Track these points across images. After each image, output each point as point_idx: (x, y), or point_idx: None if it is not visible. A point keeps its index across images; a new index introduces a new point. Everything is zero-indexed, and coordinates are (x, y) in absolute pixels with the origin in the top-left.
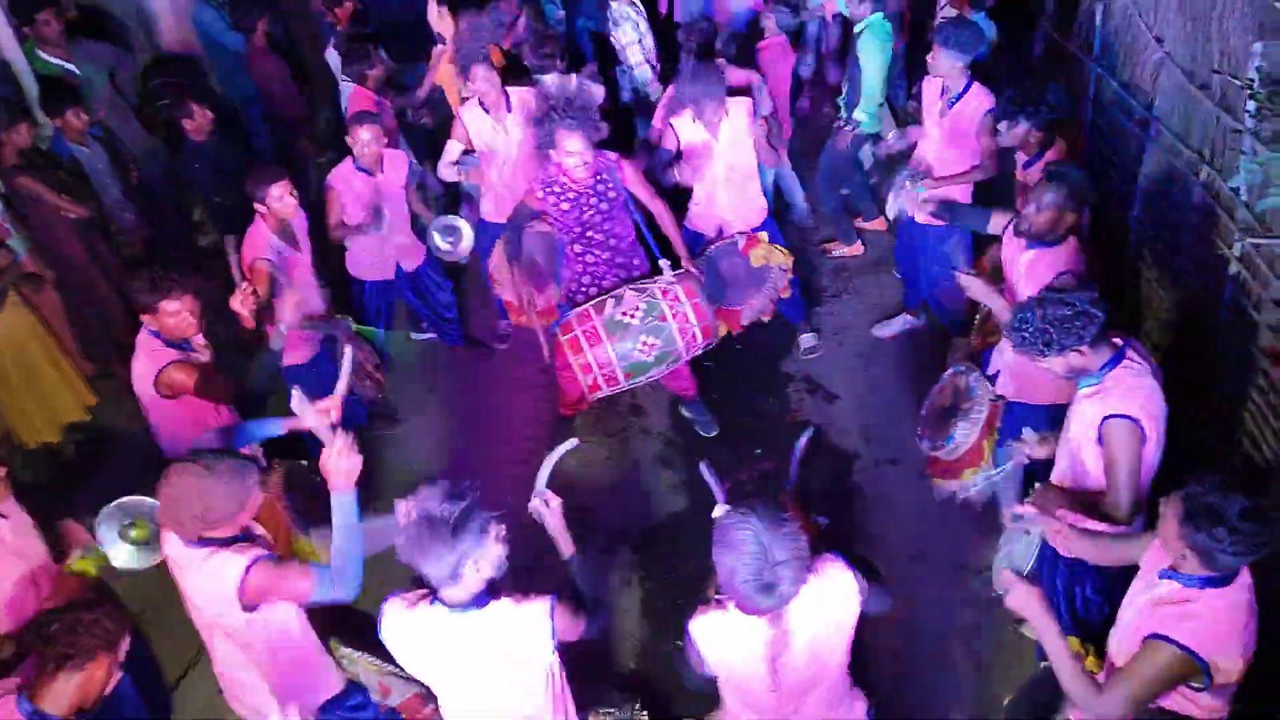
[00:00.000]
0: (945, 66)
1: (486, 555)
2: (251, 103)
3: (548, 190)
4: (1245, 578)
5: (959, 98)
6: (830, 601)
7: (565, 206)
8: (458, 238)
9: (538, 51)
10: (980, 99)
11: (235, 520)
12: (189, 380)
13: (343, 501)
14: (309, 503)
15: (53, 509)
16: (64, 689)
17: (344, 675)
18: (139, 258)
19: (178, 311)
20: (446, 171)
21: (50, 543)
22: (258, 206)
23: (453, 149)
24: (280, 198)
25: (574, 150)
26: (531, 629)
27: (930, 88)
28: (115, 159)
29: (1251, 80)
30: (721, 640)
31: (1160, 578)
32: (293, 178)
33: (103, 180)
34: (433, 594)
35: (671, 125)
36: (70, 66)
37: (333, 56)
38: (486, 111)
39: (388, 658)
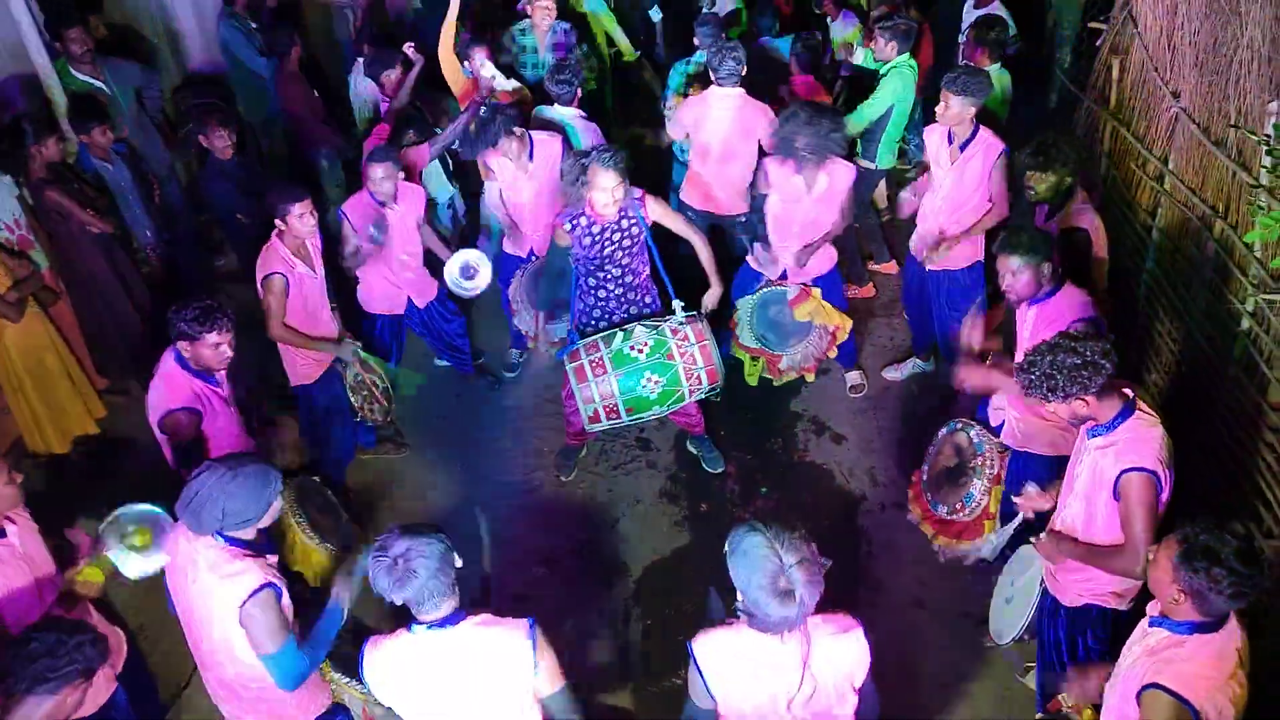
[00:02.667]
0: (955, 114)
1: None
2: (272, 125)
3: (574, 224)
4: (1234, 624)
5: (967, 144)
6: (845, 651)
7: (587, 241)
8: (476, 277)
9: (555, 79)
10: (989, 143)
11: (254, 524)
12: (189, 430)
13: (336, 612)
14: (320, 516)
15: (58, 519)
16: (32, 712)
17: (332, 696)
18: (158, 276)
19: (218, 345)
20: (495, 209)
21: (54, 552)
22: (277, 223)
23: (493, 189)
24: (301, 216)
25: (608, 187)
26: (509, 649)
27: (936, 136)
28: (138, 176)
29: (1269, 137)
30: (728, 662)
31: (1150, 625)
32: (313, 201)
33: (125, 197)
34: (408, 623)
35: (769, 167)
36: (100, 84)
37: (357, 78)
38: (510, 160)
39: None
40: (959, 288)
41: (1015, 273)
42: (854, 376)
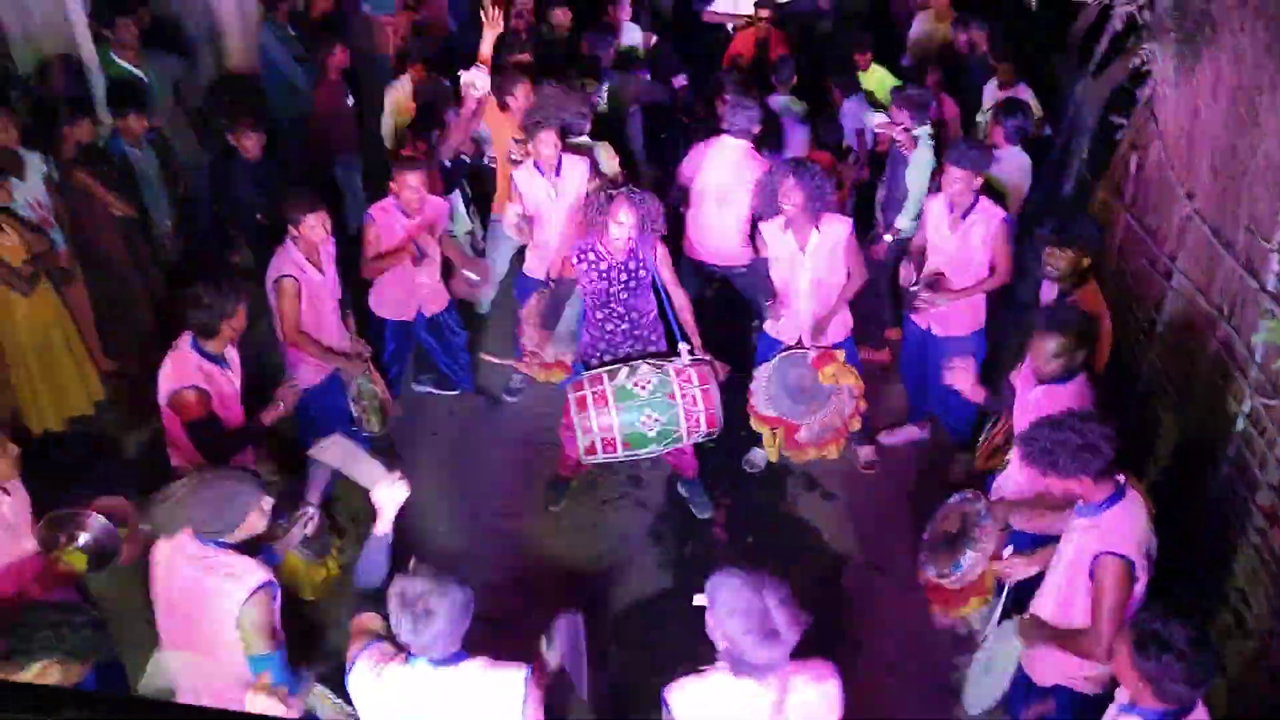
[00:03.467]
0: (958, 186)
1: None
2: (300, 130)
3: (581, 257)
4: (1202, 712)
5: (968, 213)
6: (819, 699)
7: (594, 276)
8: (484, 278)
9: (579, 113)
10: (990, 211)
11: (226, 535)
12: (198, 410)
13: (382, 539)
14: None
15: (44, 496)
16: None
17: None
18: (173, 264)
19: (237, 324)
20: (512, 231)
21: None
22: (291, 230)
23: (511, 211)
24: (313, 227)
25: (625, 222)
26: (503, 693)
27: (937, 205)
28: (165, 165)
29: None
30: (702, 711)
31: (1121, 711)
32: (330, 205)
33: (151, 184)
34: (406, 652)
35: (760, 230)
36: (139, 72)
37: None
38: (541, 174)
39: (349, 700)
40: (960, 354)
41: (1055, 355)
42: (867, 451)
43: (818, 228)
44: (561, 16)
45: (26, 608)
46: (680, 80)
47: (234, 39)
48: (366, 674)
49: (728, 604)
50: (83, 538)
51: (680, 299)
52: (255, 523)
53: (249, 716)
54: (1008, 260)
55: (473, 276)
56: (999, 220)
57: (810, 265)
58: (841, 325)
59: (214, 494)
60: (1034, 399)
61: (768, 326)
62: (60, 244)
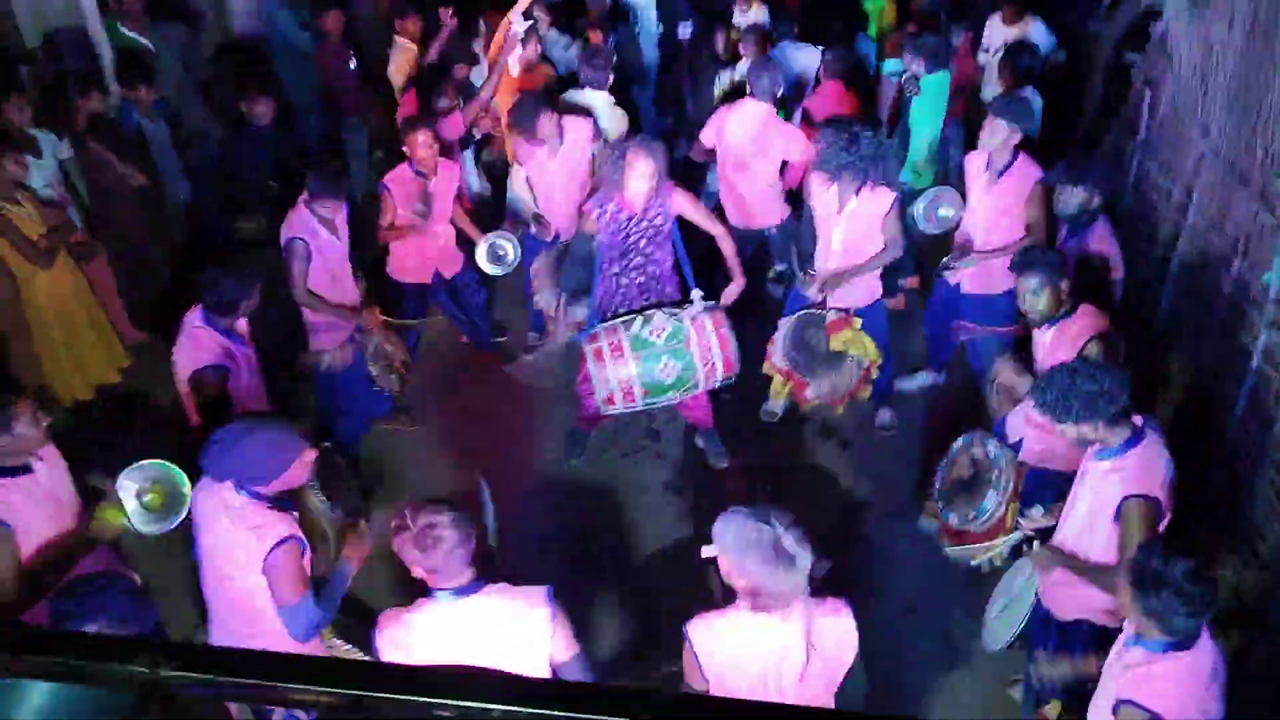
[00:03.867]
0: (999, 138)
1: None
2: (311, 96)
3: (600, 209)
4: (1207, 642)
5: (1005, 170)
6: (838, 630)
7: (613, 228)
8: (505, 258)
9: (590, 63)
10: (1028, 169)
11: (267, 484)
12: (216, 388)
13: (347, 571)
14: (332, 481)
15: (78, 464)
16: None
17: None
18: (187, 232)
19: (252, 303)
20: (521, 192)
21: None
22: (303, 197)
23: (519, 175)
24: (330, 209)
25: (644, 173)
26: (527, 617)
27: (976, 161)
28: (177, 135)
29: None
30: (722, 644)
31: (1127, 645)
32: (342, 170)
33: (164, 153)
34: (428, 592)
35: (810, 179)
36: (146, 42)
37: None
38: (543, 143)
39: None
40: (995, 312)
41: (1035, 292)
42: (885, 415)
43: (857, 194)
44: None
45: (75, 579)
46: (686, 28)
47: (239, 5)
48: (395, 629)
49: (739, 541)
50: (123, 494)
51: (718, 230)
52: (298, 474)
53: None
54: (1043, 221)
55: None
56: (1035, 180)
57: (845, 228)
58: (867, 292)
59: (261, 440)
60: (1047, 340)
61: (799, 281)
62: (77, 222)
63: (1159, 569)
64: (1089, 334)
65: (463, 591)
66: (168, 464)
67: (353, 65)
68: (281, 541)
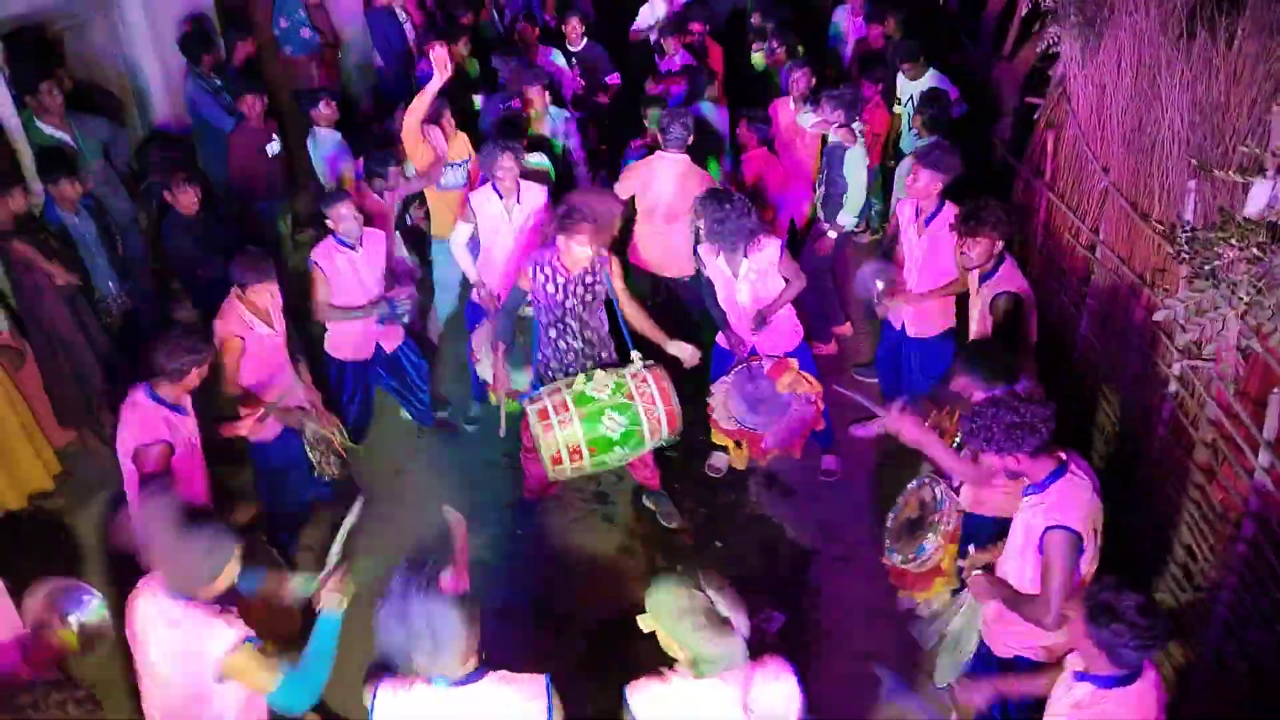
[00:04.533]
0: (924, 188)
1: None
2: (233, 182)
3: (538, 270)
4: (1152, 673)
5: (933, 216)
6: (779, 694)
7: (551, 289)
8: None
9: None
10: (955, 215)
11: (201, 586)
12: (159, 465)
13: (330, 622)
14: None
15: (14, 577)
16: None
17: None
18: (116, 326)
19: (196, 376)
20: (459, 252)
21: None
22: (236, 289)
23: (462, 230)
24: (259, 293)
25: (583, 245)
26: (525, 708)
27: (905, 210)
28: (103, 229)
29: (1187, 222)
30: (662, 711)
31: (1075, 680)
32: (264, 253)
33: (90, 249)
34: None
35: (699, 251)
36: (66, 138)
37: (317, 143)
38: (500, 196)
39: None
40: (932, 354)
41: (972, 246)
42: (830, 460)
43: (747, 255)
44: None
45: (23, 687)
46: (614, 78)
47: (159, 95)
48: (390, 699)
49: (671, 610)
50: (74, 617)
51: (633, 309)
52: (231, 573)
53: None
54: None
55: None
56: None
57: (746, 287)
58: (793, 332)
59: (190, 548)
60: (982, 294)
61: (719, 340)
62: (4, 327)
63: (1112, 601)
64: (1014, 283)
65: (464, 681)
66: (90, 592)
67: (274, 149)
68: (234, 648)
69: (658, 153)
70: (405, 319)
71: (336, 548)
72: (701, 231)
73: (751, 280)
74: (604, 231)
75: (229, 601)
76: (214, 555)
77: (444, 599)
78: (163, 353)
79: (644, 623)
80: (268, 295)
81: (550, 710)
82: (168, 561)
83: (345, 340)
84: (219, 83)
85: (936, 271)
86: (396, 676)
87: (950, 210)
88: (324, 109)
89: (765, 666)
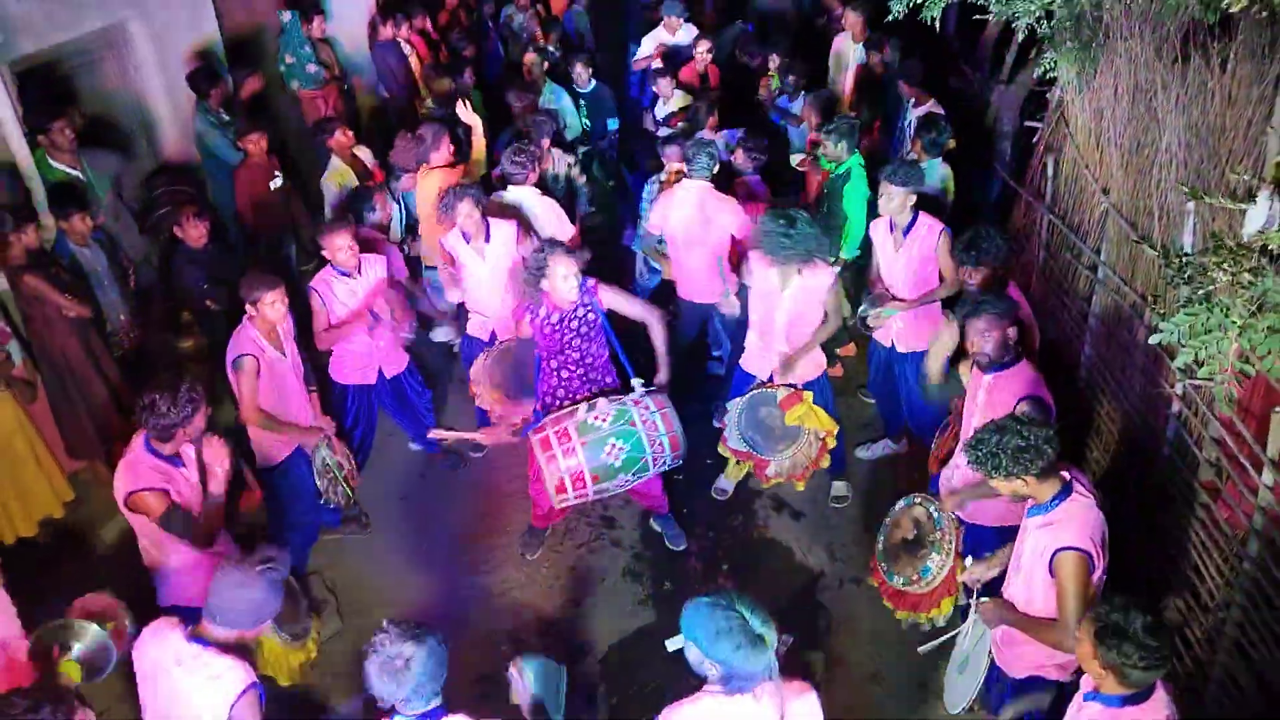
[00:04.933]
0: (895, 203)
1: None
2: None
3: (533, 315)
4: (1162, 694)
5: (908, 229)
6: (806, 711)
7: (547, 330)
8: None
9: (511, 159)
10: (930, 225)
11: (246, 632)
12: (156, 509)
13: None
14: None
15: (24, 602)
16: None
17: None
18: (129, 358)
19: (194, 429)
20: (451, 294)
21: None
22: (249, 309)
23: (445, 272)
24: (272, 303)
25: (567, 275)
26: None
27: (879, 228)
28: (114, 262)
29: (1181, 246)
30: None
31: (1085, 700)
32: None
33: (101, 281)
34: (390, 715)
35: (751, 259)
36: (78, 174)
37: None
38: (467, 240)
39: None
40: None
41: (984, 334)
42: (840, 487)
43: (800, 272)
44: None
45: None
46: (614, 124)
47: (168, 129)
48: None
49: (708, 629)
50: (76, 648)
51: (651, 319)
52: (267, 628)
53: None
54: (953, 269)
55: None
56: (940, 231)
57: (788, 306)
58: (813, 365)
59: (261, 590)
60: (984, 386)
61: (743, 361)
62: (17, 359)
63: (1120, 622)
64: (1025, 393)
65: (424, 718)
66: (83, 624)
67: (276, 183)
68: (244, 692)
69: (682, 181)
70: (410, 339)
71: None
72: (765, 244)
73: (796, 299)
74: (574, 268)
75: (243, 650)
76: (269, 604)
77: (418, 632)
78: (149, 416)
79: (672, 644)
80: (281, 308)
81: None
82: (227, 597)
83: (348, 364)
84: (226, 117)
85: (920, 280)
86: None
87: (924, 220)
88: (340, 137)
89: (791, 684)
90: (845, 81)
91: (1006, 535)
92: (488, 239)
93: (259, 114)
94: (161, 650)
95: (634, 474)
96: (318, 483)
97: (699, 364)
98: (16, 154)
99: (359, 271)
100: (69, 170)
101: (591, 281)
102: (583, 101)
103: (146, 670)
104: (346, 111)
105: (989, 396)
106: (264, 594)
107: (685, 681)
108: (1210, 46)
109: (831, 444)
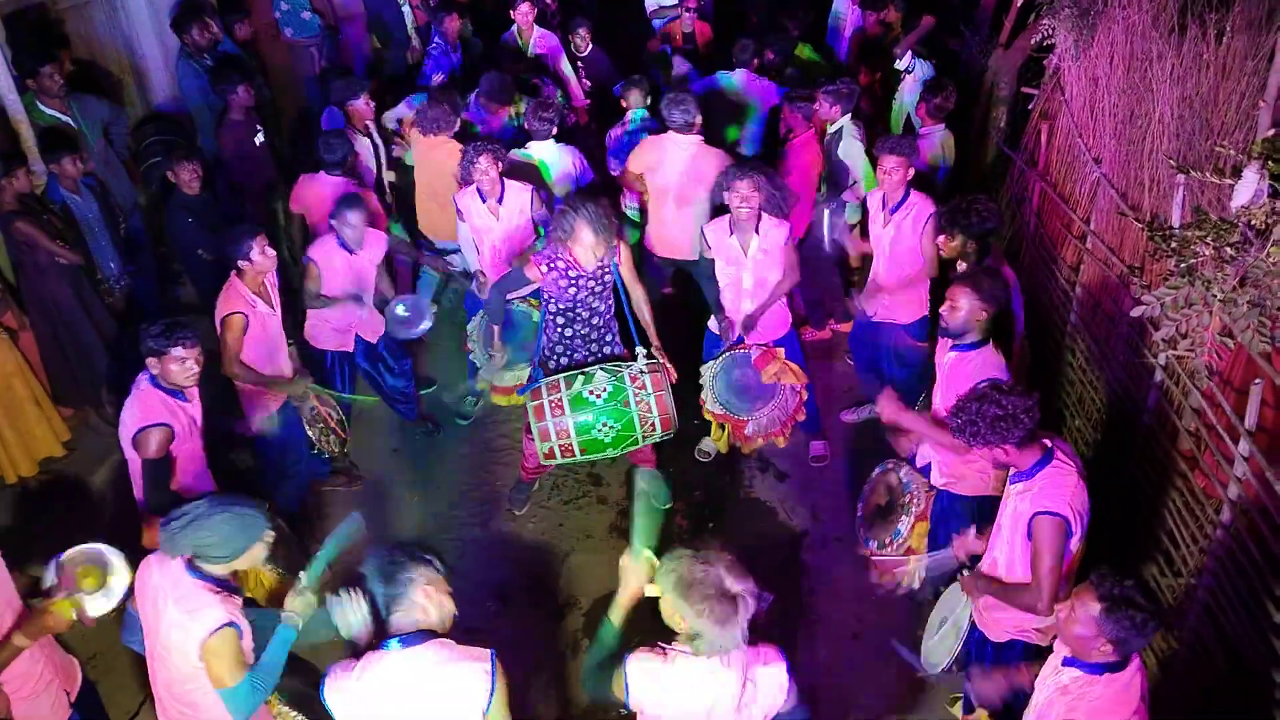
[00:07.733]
0: (891, 173)
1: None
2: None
3: (551, 266)
4: (1136, 661)
5: (899, 206)
6: (771, 680)
7: (564, 284)
8: (417, 316)
9: (538, 115)
10: (921, 205)
11: (224, 564)
12: (158, 449)
13: (286, 637)
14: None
15: (25, 544)
16: None
17: None
18: (119, 306)
19: (184, 359)
20: (467, 251)
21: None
22: (240, 263)
23: (464, 230)
24: (261, 251)
25: (589, 245)
26: (468, 682)
27: (874, 199)
28: (105, 209)
29: (1162, 219)
30: (656, 686)
31: (1063, 665)
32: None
33: (92, 228)
34: (380, 642)
35: (708, 232)
36: (67, 119)
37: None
38: (483, 199)
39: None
40: (905, 342)
41: (955, 300)
42: (818, 446)
43: (757, 231)
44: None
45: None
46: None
47: (159, 76)
48: (344, 680)
49: (681, 578)
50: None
51: (639, 295)
52: (257, 554)
53: None
54: (934, 257)
55: (401, 312)
56: (929, 214)
57: (752, 268)
58: (781, 322)
59: (228, 518)
60: (946, 363)
61: (711, 324)
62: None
63: (1127, 593)
64: (985, 374)
65: (409, 640)
66: (81, 547)
67: (259, 139)
68: (217, 629)
69: (669, 133)
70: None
71: (320, 565)
72: (738, 204)
73: (758, 260)
74: (604, 238)
75: (235, 587)
76: (246, 531)
77: (410, 552)
78: (148, 333)
79: (650, 590)
80: (271, 257)
81: (493, 684)
82: (198, 530)
83: (324, 331)
84: (210, 63)
85: (902, 262)
86: (345, 661)
87: (915, 200)
88: (362, 105)
89: (759, 652)
90: (842, 43)
91: (984, 504)
92: (501, 200)
93: (245, 64)
94: (164, 577)
95: (623, 448)
96: (309, 432)
97: (695, 326)
98: (5, 99)
99: (360, 247)
100: (59, 115)
101: (617, 243)
102: (580, 65)
103: (147, 597)
104: (340, 63)
105: (949, 371)
106: (225, 528)
107: (670, 639)
108: (1207, 18)
109: (805, 397)
